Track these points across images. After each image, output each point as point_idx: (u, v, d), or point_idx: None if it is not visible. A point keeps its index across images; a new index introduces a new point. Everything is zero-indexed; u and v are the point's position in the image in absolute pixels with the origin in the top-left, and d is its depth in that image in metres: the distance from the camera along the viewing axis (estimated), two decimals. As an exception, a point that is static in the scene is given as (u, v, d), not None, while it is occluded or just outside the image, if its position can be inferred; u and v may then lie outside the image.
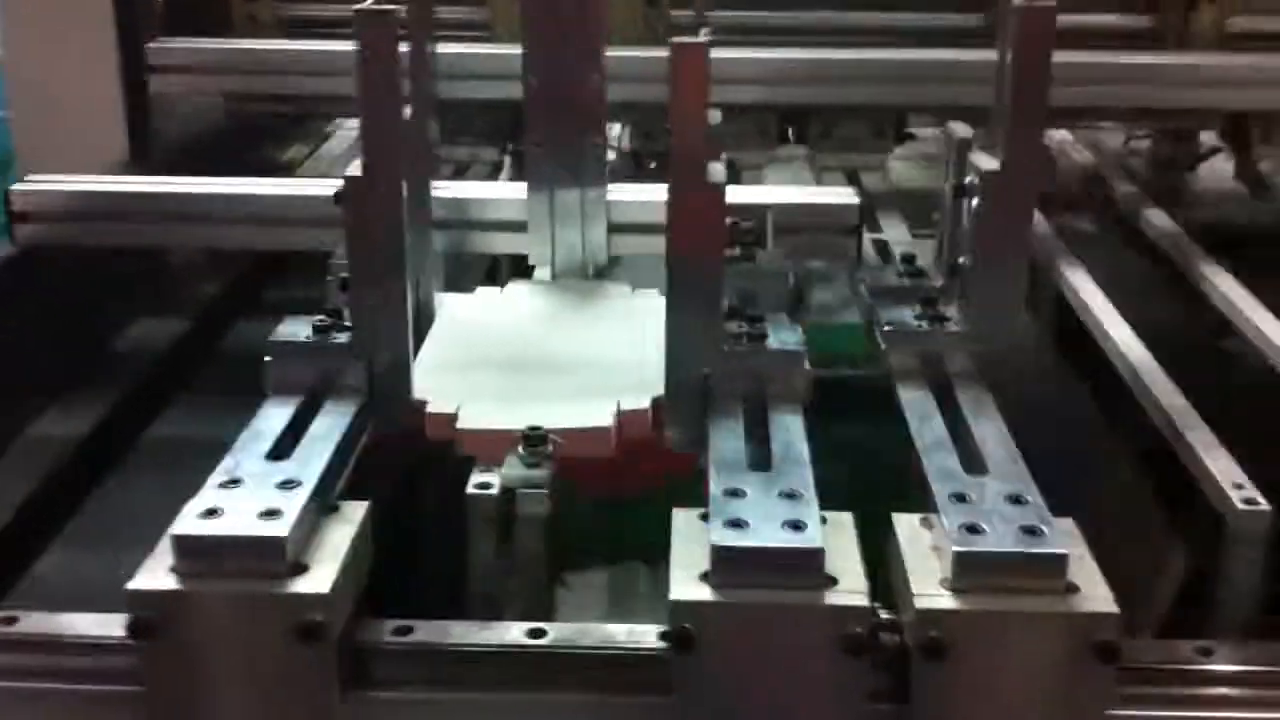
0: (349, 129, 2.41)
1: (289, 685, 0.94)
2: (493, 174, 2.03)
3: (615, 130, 2.05)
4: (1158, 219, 1.94)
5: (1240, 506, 1.18)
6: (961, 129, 1.31)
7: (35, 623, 1.04)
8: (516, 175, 1.90)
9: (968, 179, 1.23)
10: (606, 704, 1.00)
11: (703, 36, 1.17)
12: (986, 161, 1.20)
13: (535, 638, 1.01)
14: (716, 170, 1.14)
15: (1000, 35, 1.23)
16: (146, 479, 1.49)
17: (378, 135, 1.16)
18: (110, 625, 1.02)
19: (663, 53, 1.09)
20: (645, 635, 1.01)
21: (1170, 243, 1.86)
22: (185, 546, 0.94)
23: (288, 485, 1.01)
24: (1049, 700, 0.92)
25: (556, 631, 1.01)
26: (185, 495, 1.30)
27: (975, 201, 1.21)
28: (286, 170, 2.34)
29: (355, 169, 1.15)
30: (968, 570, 0.92)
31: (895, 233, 1.66)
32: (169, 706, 0.95)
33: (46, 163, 1.77)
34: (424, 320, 1.38)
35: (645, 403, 1.19)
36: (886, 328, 1.24)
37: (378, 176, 1.15)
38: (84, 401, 1.62)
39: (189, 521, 0.96)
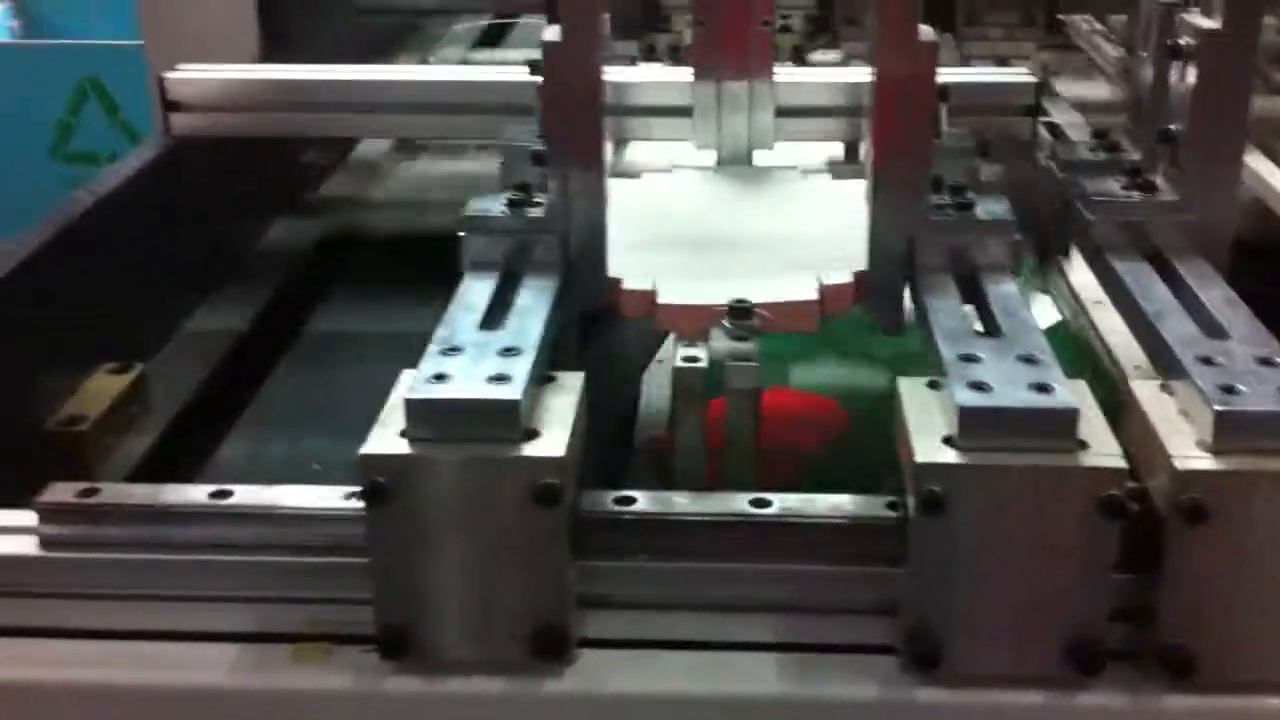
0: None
1: (523, 550, 0.92)
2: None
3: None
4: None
5: None
6: (1163, -8, 1.25)
7: (250, 495, 1.03)
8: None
9: (1182, 41, 1.17)
10: (836, 574, 0.98)
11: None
12: (1207, 22, 1.14)
13: (760, 507, 0.99)
14: (926, 30, 1.10)
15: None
16: (314, 370, 1.48)
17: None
18: (323, 497, 1.02)
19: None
20: (874, 505, 0.99)
21: None
22: (417, 411, 0.92)
23: (509, 353, 0.99)
24: (1312, 563, 0.89)
25: (781, 501, 0.99)
26: (357, 384, 1.30)
27: (1191, 66, 1.16)
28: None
29: (553, 35, 1.11)
30: (1228, 431, 0.89)
31: (1063, 115, 1.61)
32: (395, 572, 0.94)
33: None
34: (598, 202, 1.35)
35: (848, 277, 1.16)
36: (1095, 199, 1.20)
37: (576, 42, 1.11)
38: (238, 297, 1.62)
39: (420, 386, 0.94)
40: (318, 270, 1.72)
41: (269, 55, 1.99)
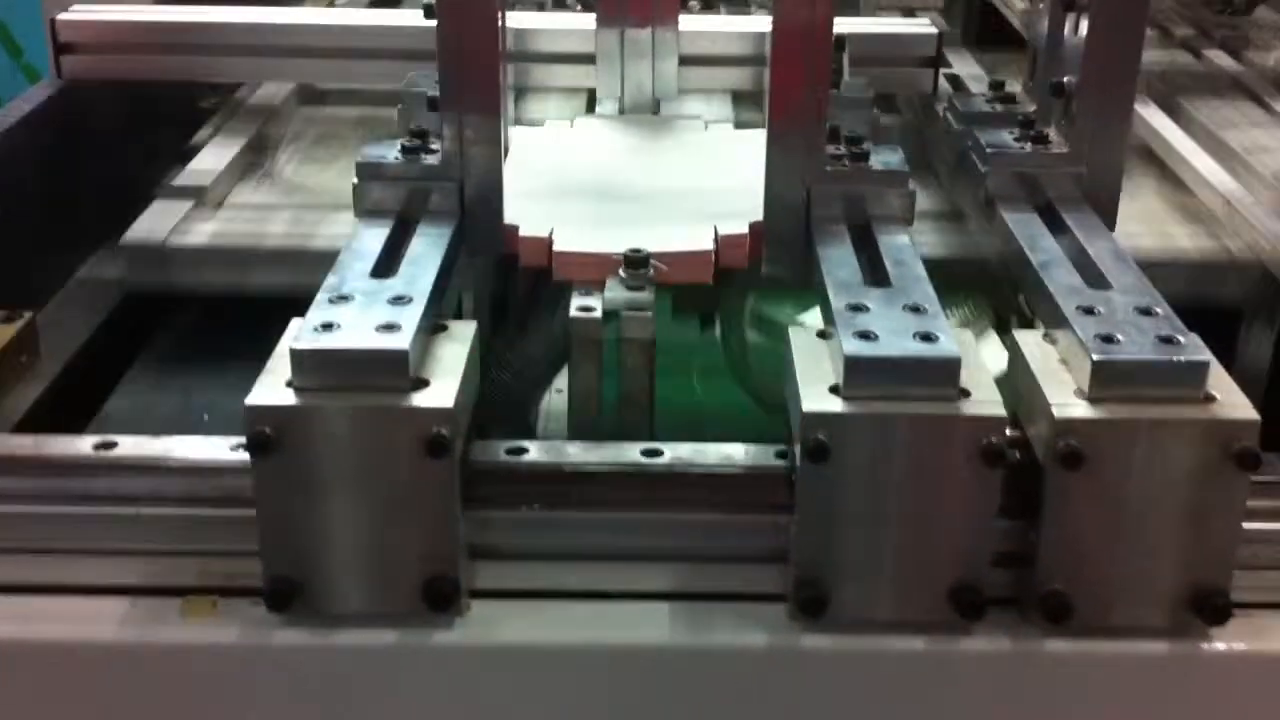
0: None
1: (413, 501, 0.92)
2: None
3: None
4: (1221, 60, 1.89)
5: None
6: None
7: (136, 447, 1.02)
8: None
9: (1076, -7, 1.18)
10: (726, 523, 0.99)
11: None
12: (1098, -26, 1.15)
13: (651, 457, 0.99)
14: (823, -19, 1.10)
15: None
16: (205, 324, 1.46)
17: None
18: (210, 449, 1.01)
19: None
20: (764, 454, 1.00)
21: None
22: (304, 360, 0.91)
23: (399, 301, 0.98)
24: (1184, 509, 0.91)
25: (673, 451, 1.00)
26: (245, 339, 1.29)
27: (1084, 18, 1.17)
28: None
29: (448, -22, 1.10)
30: (1106, 379, 0.90)
31: (966, 68, 1.62)
32: (283, 524, 0.93)
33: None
34: (499, 151, 1.34)
35: (743, 228, 1.16)
36: (989, 150, 1.21)
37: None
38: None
39: (306, 335, 0.93)
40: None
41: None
